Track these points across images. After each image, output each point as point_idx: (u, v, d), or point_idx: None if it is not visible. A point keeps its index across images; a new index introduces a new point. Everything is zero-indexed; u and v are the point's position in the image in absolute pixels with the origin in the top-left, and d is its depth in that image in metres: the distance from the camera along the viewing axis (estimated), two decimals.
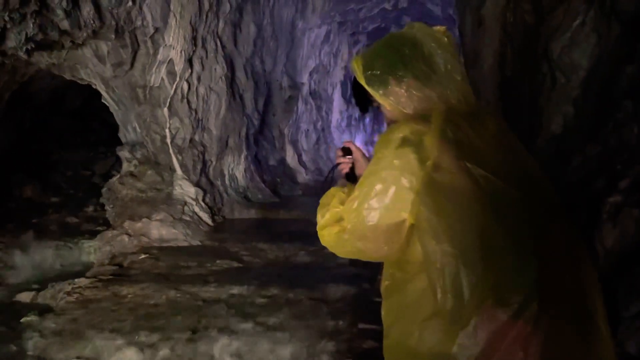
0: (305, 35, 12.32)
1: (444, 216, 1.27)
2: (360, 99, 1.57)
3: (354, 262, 5.97)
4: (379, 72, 1.42)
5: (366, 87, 1.44)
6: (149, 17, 6.19)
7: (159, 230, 6.78)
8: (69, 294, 5.10)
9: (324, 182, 1.74)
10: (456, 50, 1.42)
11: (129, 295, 5.02)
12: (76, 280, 5.42)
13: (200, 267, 5.80)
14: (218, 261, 5.97)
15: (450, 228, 1.26)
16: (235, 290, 5.12)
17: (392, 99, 1.42)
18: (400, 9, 14.13)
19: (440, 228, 1.27)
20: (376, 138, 15.45)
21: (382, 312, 1.46)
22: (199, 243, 6.76)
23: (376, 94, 1.44)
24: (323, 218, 1.52)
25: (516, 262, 1.22)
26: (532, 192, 1.29)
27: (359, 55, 1.48)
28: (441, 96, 1.37)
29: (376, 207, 1.34)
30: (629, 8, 2.17)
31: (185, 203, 7.29)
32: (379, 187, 1.33)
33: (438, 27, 1.44)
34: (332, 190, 1.57)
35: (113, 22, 5.77)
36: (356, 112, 16.99)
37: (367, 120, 18.34)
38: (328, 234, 1.50)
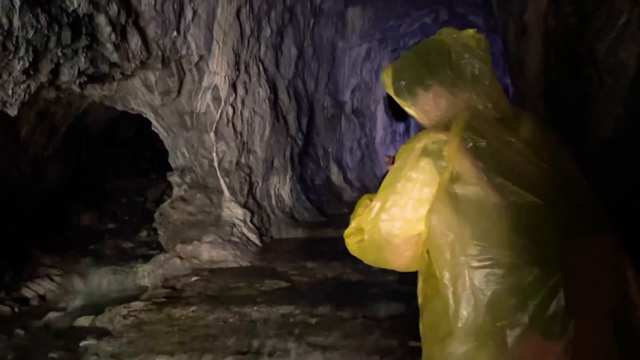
0: (346, 54, 12.41)
1: (456, 229, 1.23)
2: (395, 108, 1.55)
3: (404, 279, 5.88)
4: (405, 82, 1.41)
5: (395, 97, 1.43)
6: (193, 46, 6.40)
7: (209, 252, 6.90)
8: (125, 317, 5.25)
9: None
10: (487, 53, 1.36)
11: (182, 317, 5.11)
12: (131, 303, 5.57)
13: (249, 288, 5.85)
14: (267, 281, 6.00)
15: (462, 242, 1.21)
16: (285, 310, 5.13)
17: (419, 107, 1.41)
18: (441, 22, 14.02)
19: (452, 242, 1.23)
20: None
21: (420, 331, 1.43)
22: (248, 264, 6.83)
23: (404, 104, 1.44)
24: (349, 226, 1.51)
25: (541, 277, 1.14)
26: (564, 202, 1.20)
27: (388, 66, 1.47)
28: (468, 102, 1.33)
29: (391, 219, 1.32)
30: None
31: (234, 225, 7.39)
32: (395, 198, 1.31)
33: (467, 31, 1.41)
34: (363, 197, 1.54)
35: (159, 52, 5.99)
36: (400, 127, 16.89)
37: (411, 133, 18.18)
38: (351, 242, 1.51)
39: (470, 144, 1.24)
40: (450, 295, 1.22)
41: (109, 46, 5.24)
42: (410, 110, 1.43)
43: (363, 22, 12.29)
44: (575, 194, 1.22)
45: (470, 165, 1.22)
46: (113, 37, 5.22)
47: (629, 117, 2.22)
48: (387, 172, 1.52)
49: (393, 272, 6.21)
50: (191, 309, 5.29)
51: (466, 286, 1.20)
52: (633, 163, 2.05)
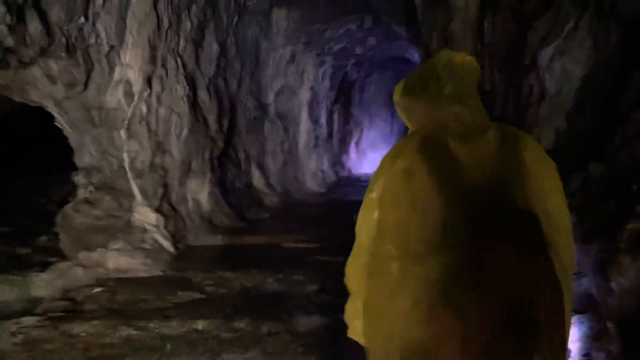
0: (270, 55, 12.11)
1: (394, 219, 1.48)
2: None
3: (324, 290, 5.68)
4: (400, 96, 1.66)
5: (395, 103, 1.68)
6: (103, 35, 5.86)
7: (116, 260, 6.34)
8: (13, 334, 4.65)
9: None
10: (470, 75, 1.58)
11: (81, 334, 4.60)
12: (23, 318, 4.95)
13: (160, 300, 5.40)
14: (180, 293, 5.57)
15: (398, 229, 1.47)
16: (199, 325, 4.76)
17: (407, 116, 1.66)
18: (366, 29, 14.11)
19: (390, 229, 1.49)
20: (343, 158, 15.23)
21: None
22: (160, 273, 6.34)
23: (398, 110, 1.69)
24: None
25: (455, 262, 1.35)
26: (482, 206, 1.40)
27: (401, 81, 1.70)
28: (438, 120, 1.53)
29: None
30: (633, 9, 1.98)
31: (145, 230, 6.87)
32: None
33: (458, 55, 1.61)
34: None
35: (63, 40, 5.41)
36: (324, 133, 16.80)
37: (335, 141, 18.18)
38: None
39: (430, 151, 1.46)
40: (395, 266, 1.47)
41: (2, 28, 4.64)
42: (401, 116, 1.67)
43: (288, 24, 12.06)
44: (495, 201, 1.40)
45: (425, 166, 1.45)
46: (8, 18, 4.62)
47: (571, 130, 2.12)
48: None
49: (313, 281, 6.00)
50: (92, 325, 4.78)
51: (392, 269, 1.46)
52: (580, 180, 1.93)
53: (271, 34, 11.73)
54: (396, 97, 1.68)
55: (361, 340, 1.66)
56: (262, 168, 11.68)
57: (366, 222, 1.59)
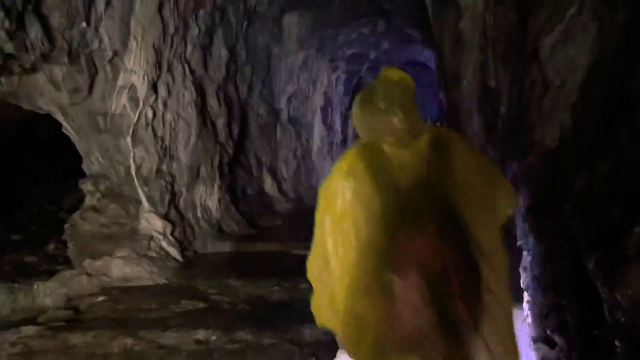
0: (282, 61, 12.01)
1: (339, 212, 1.75)
2: None
3: None
4: (353, 109, 1.88)
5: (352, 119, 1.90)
6: (106, 40, 5.79)
7: (122, 268, 6.25)
8: (12, 344, 4.57)
9: None
10: (404, 92, 1.80)
11: (79, 345, 4.49)
12: (23, 328, 4.88)
13: (162, 309, 5.28)
14: (183, 301, 5.45)
15: (342, 222, 1.74)
16: (201, 335, 4.62)
17: (357, 127, 1.88)
18: (379, 33, 13.93)
19: (335, 221, 1.76)
20: None
21: None
22: (165, 281, 6.23)
23: (353, 123, 1.92)
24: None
25: (386, 250, 1.63)
26: (403, 204, 1.66)
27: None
28: (377, 129, 1.78)
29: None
30: None
31: (152, 238, 6.77)
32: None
33: (395, 72, 1.86)
34: None
35: (65, 45, 5.35)
36: (338, 138, 16.64)
37: (348, 145, 17.99)
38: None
39: (368, 156, 1.75)
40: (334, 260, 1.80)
41: (2, 34, 4.59)
42: (354, 126, 1.89)
43: (300, 29, 11.95)
44: (420, 194, 1.66)
45: (362, 168, 1.73)
46: (7, 23, 4.57)
47: (577, 124, 1.92)
48: None
49: None
50: (92, 335, 4.67)
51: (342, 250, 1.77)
52: (585, 179, 1.74)
53: (283, 40, 11.62)
54: (354, 109, 1.90)
55: (328, 326, 1.91)
56: (274, 174, 11.55)
57: (318, 219, 1.84)
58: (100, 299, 5.62)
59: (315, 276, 1.91)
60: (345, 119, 17.47)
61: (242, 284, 6.02)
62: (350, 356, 1.78)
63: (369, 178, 1.70)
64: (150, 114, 6.76)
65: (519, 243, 2.39)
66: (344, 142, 17.21)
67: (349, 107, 17.70)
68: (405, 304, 1.58)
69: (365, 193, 1.70)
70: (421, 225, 1.62)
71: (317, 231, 1.83)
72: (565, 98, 2.01)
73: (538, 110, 2.21)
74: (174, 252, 6.90)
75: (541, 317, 1.95)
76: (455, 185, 1.68)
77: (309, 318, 4.99)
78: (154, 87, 6.72)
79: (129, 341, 4.51)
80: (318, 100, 14.81)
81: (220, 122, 8.62)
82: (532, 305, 2.11)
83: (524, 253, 2.38)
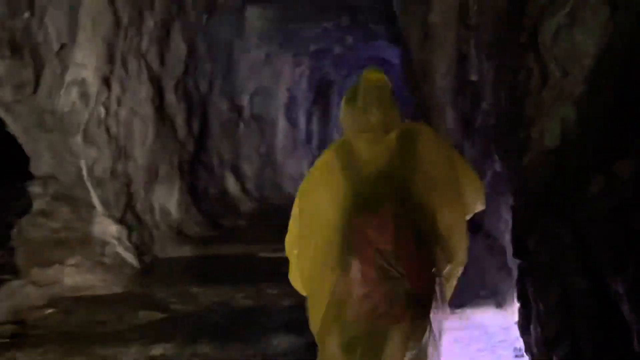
0: (244, 55, 11.66)
1: (314, 200, 2.02)
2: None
3: (301, 305, 5.25)
4: (341, 107, 2.11)
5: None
6: (52, 32, 5.35)
7: (73, 277, 5.84)
8: None
9: None
10: (381, 92, 2.01)
11: None
12: None
13: (118, 322, 4.91)
14: (141, 312, 5.09)
15: (316, 209, 2.02)
16: (159, 349, 4.29)
17: (342, 123, 2.10)
18: (343, 28, 13.71)
19: (310, 208, 2.04)
20: None
21: None
22: (121, 290, 5.85)
23: (340, 116, 2.13)
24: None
25: (347, 233, 1.89)
26: (381, 188, 1.87)
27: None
28: (355, 124, 2.01)
29: None
30: None
31: (106, 243, 6.36)
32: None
33: (373, 72, 2.07)
34: None
35: (6, 37, 4.90)
36: (302, 135, 16.37)
37: (315, 143, 17.76)
38: None
39: (344, 148, 1.99)
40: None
41: None
42: (340, 122, 2.11)
43: (263, 23, 11.61)
44: (383, 185, 1.87)
45: (337, 160, 1.98)
46: None
47: (583, 120, 1.73)
48: None
49: (289, 295, 5.55)
50: (39, 352, 4.29)
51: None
52: (602, 183, 1.54)
53: (245, 34, 11.27)
54: (341, 106, 2.13)
55: (302, 292, 2.16)
56: (237, 173, 11.21)
57: (298, 202, 2.09)
58: (50, 311, 5.21)
59: (288, 252, 2.15)
60: (310, 115, 17.21)
61: (204, 290, 5.70)
62: (311, 323, 2.04)
63: (339, 169, 1.94)
64: (102, 111, 6.34)
65: (511, 252, 2.21)
66: (309, 139, 16.96)
67: (314, 104, 17.44)
68: (360, 277, 1.82)
69: (334, 181, 1.93)
70: (379, 210, 1.83)
71: (293, 212, 2.09)
72: (569, 91, 1.81)
73: (535, 104, 2.01)
74: (130, 258, 6.51)
75: (545, 341, 1.76)
76: (420, 173, 1.88)
77: (277, 326, 4.73)
78: (106, 82, 6.29)
79: (81, 358, 4.16)
80: (282, 97, 14.50)
81: (180, 120, 8.23)
82: (531, 323, 1.91)
83: (517, 261, 2.18)
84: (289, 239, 2.13)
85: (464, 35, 3.26)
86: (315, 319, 1.97)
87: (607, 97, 1.66)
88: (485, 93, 2.72)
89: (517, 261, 2.20)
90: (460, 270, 2.00)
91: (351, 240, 1.85)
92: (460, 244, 1.91)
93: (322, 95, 18.15)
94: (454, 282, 2.00)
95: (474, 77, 2.94)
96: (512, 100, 2.22)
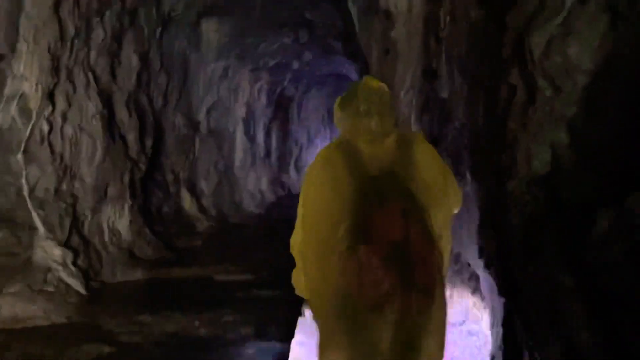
0: (201, 69, 11.33)
1: (320, 196, 2.06)
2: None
3: (261, 333, 4.96)
4: (335, 109, 2.24)
5: (334, 117, 2.28)
6: None
7: (12, 307, 5.36)
8: None
9: None
10: (381, 98, 2.15)
11: None
12: None
13: (60, 357, 4.50)
14: (85, 346, 4.69)
15: (322, 204, 2.05)
16: None
17: (339, 125, 2.23)
18: (302, 44, 13.59)
19: (316, 204, 2.07)
20: (283, 177, 14.56)
21: None
22: (65, 320, 5.40)
23: (335, 122, 2.27)
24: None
25: (356, 226, 1.92)
26: (384, 186, 1.97)
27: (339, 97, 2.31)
28: (356, 128, 2.12)
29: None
30: None
31: (49, 269, 5.90)
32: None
33: (373, 81, 2.22)
34: None
35: None
36: (261, 151, 16.07)
37: (274, 159, 17.49)
38: None
39: (345, 148, 2.08)
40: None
41: None
42: (336, 125, 2.25)
43: (219, 37, 11.35)
44: (386, 183, 1.98)
45: (339, 157, 2.05)
46: None
47: (577, 144, 1.55)
48: None
49: (248, 323, 5.26)
50: None
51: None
52: (608, 215, 1.36)
53: (201, 47, 10.97)
54: (335, 109, 2.21)
55: (305, 295, 2.15)
56: (192, 190, 10.81)
57: (302, 200, 2.10)
58: None
59: (295, 250, 2.14)
60: (268, 131, 16.95)
61: (155, 319, 5.32)
62: (315, 317, 2.02)
63: (343, 166, 1.99)
64: (45, 128, 5.91)
65: (485, 278, 2.02)
66: (268, 155, 16.68)
67: (272, 119, 17.20)
68: (370, 269, 1.83)
69: (339, 178, 1.97)
70: (387, 205, 1.90)
71: (299, 210, 2.10)
72: (560, 111, 1.63)
73: (520, 125, 1.83)
74: (76, 284, 6.06)
75: None
76: (415, 177, 1.98)
77: (236, 358, 4.43)
78: (49, 96, 5.88)
79: None
80: (240, 112, 14.20)
81: (131, 136, 7.83)
82: None
83: (500, 298, 1.99)
84: (295, 239, 2.14)
85: (433, 48, 3.10)
86: (318, 311, 2.00)
87: (607, 119, 1.50)
88: (457, 110, 2.55)
89: (501, 299, 2.01)
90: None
91: (359, 234, 1.89)
92: (446, 247, 2.03)
93: (281, 110, 17.94)
94: None
95: (443, 94, 2.76)
96: (491, 119, 2.04)
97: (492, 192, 2.07)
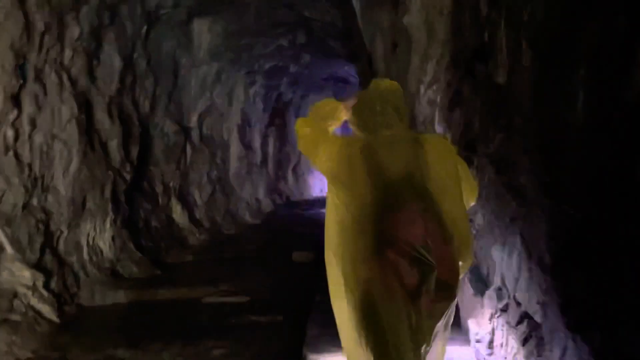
0: (192, 72, 10.69)
1: (350, 197, 2.14)
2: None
3: None
4: (352, 117, 2.32)
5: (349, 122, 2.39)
6: None
7: None
8: None
9: None
10: (396, 98, 2.29)
11: None
12: None
13: None
14: None
15: (349, 205, 2.14)
16: None
17: (356, 129, 2.33)
18: (299, 45, 12.96)
19: (345, 203, 2.16)
20: (281, 185, 13.91)
21: None
22: (30, 355, 4.71)
23: (350, 124, 2.37)
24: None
25: (379, 226, 2.04)
26: (401, 187, 2.07)
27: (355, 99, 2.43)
28: (372, 126, 2.23)
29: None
30: None
31: (16, 295, 5.23)
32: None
33: (387, 82, 2.41)
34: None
35: None
36: (257, 159, 15.41)
37: (271, 166, 16.83)
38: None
39: (364, 143, 2.20)
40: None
41: None
42: (352, 126, 2.34)
43: (212, 38, 10.71)
44: (403, 184, 2.07)
45: (357, 150, 2.17)
46: None
47: None
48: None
49: (241, 357, 4.58)
50: None
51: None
52: None
53: (192, 48, 10.32)
54: (350, 116, 2.33)
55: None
56: (184, 201, 10.13)
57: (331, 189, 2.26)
58: None
59: (330, 264, 2.23)
60: (265, 137, 16.30)
61: (132, 354, 4.62)
62: (350, 306, 2.07)
63: (366, 172, 2.10)
64: (11, 135, 5.25)
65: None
66: (264, 163, 16.02)
67: (269, 125, 16.55)
68: (395, 268, 1.97)
69: (363, 184, 2.09)
70: (406, 206, 2.03)
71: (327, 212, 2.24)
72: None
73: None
74: (47, 310, 5.38)
75: None
76: (431, 176, 2.10)
77: None
78: (15, 100, 5.22)
79: None
80: (234, 117, 13.54)
81: (114, 144, 7.17)
82: None
83: (577, 343, 1.35)
84: (327, 250, 2.25)
85: (483, 22, 2.40)
86: (353, 302, 2.06)
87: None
88: (520, 103, 1.91)
89: (578, 344, 1.39)
90: (465, 269, 2.18)
91: (385, 235, 1.99)
92: (466, 241, 2.12)
93: (278, 116, 17.30)
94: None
95: (499, 80, 2.11)
96: (594, 114, 1.38)
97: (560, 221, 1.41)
